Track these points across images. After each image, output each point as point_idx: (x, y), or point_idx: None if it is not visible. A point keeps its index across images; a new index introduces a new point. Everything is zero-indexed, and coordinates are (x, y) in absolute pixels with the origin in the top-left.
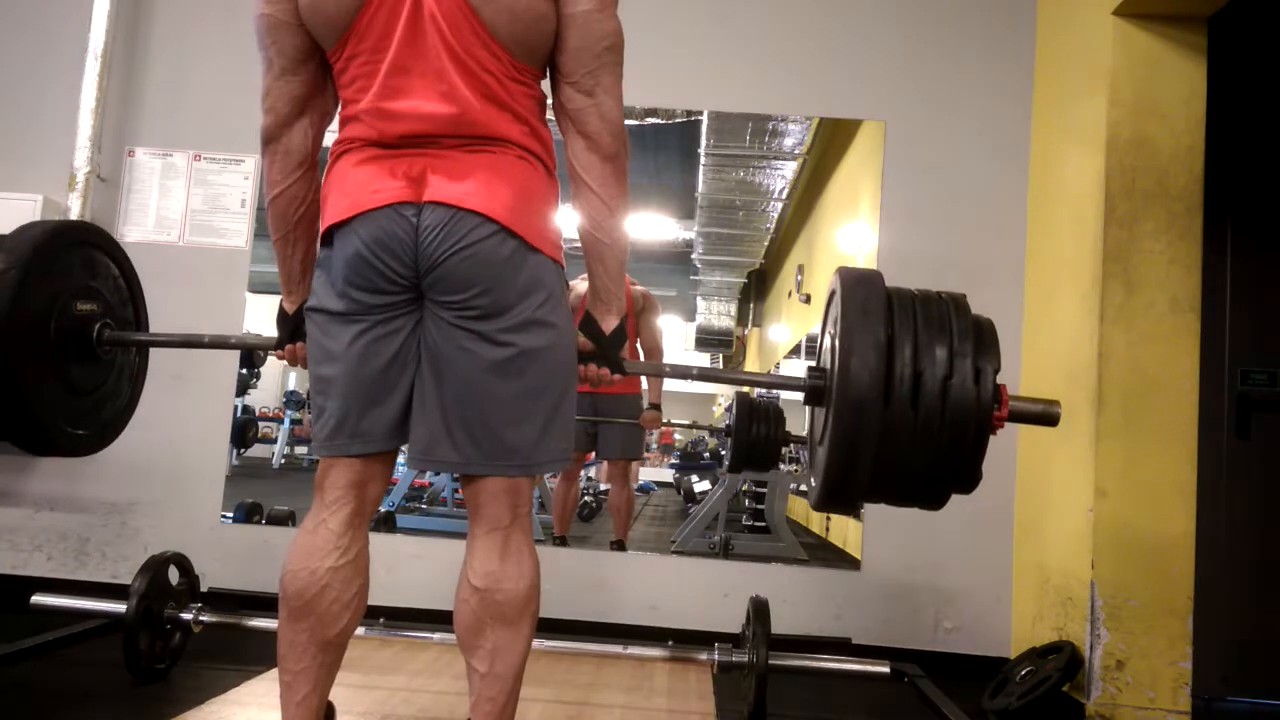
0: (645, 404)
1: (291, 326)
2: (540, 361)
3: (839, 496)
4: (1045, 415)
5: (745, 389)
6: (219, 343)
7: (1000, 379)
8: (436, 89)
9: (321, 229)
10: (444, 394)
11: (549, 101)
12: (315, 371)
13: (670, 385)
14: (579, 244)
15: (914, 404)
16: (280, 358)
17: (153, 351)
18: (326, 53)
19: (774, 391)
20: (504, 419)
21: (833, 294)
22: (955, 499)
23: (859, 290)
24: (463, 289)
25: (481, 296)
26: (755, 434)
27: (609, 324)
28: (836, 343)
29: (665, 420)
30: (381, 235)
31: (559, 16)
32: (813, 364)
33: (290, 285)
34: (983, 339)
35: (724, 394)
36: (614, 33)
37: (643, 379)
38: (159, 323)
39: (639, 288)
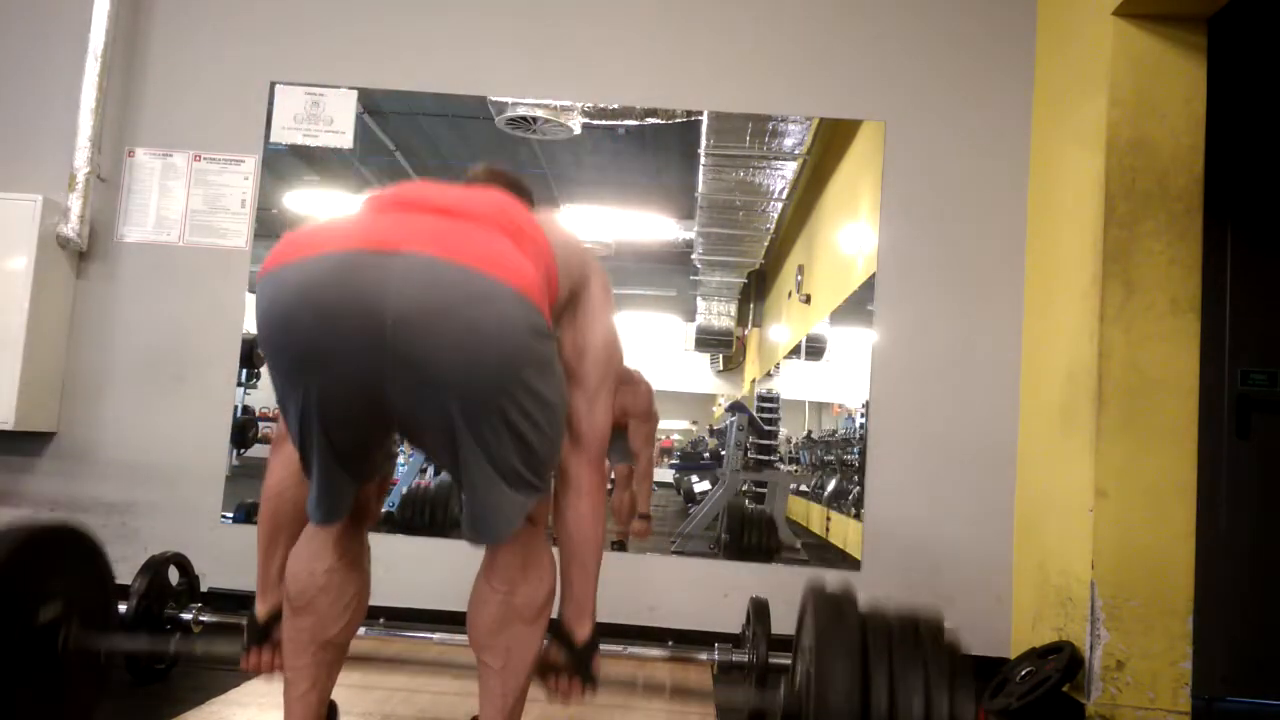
0: (636, 514)
1: (261, 633)
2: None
3: None
4: None
5: (743, 400)
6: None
7: (1002, 384)
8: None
9: None
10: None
11: None
12: None
13: (670, 386)
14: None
15: None
16: (245, 667)
17: (153, 353)
18: None
19: (775, 393)
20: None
21: (804, 613)
22: (955, 497)
23: (832, 622)
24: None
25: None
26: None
27: (584, 632)
28: (812, 676)
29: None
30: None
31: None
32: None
33: (266, 589)
34: (957, 668)
35: (724, 394)
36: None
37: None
38: (159, 324)
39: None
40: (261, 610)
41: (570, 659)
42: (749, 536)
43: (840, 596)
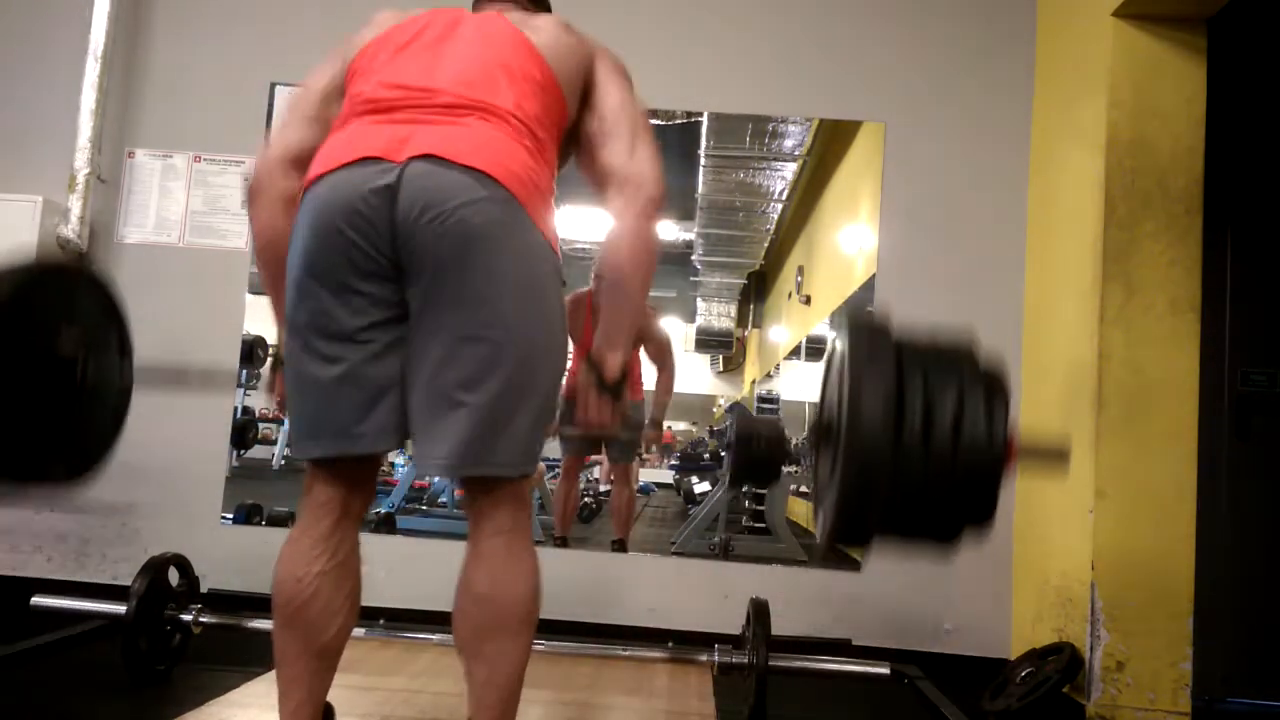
0: (646, 419)
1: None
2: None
3: (849, 534)
4: (1057, 453)
5: (743, 401)
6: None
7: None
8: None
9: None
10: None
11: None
12: None
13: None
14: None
15: (925, 442)
16: (270, 394)
17: (152, 353)
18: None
19: (775, 394)
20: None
21: (837, 338)
22: None
23: (866, 335)
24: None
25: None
26: (756, 452)
27: (614, 365)
28: (844, 385)
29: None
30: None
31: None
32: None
33: (284, 318)
34: (993, 383)
35: (724, 395)
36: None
37: (643, 389)
38: (159, 325)
39: None
40: (284, 338)
41: (599, 386)
42: (758, 447)
43: (876, 317)
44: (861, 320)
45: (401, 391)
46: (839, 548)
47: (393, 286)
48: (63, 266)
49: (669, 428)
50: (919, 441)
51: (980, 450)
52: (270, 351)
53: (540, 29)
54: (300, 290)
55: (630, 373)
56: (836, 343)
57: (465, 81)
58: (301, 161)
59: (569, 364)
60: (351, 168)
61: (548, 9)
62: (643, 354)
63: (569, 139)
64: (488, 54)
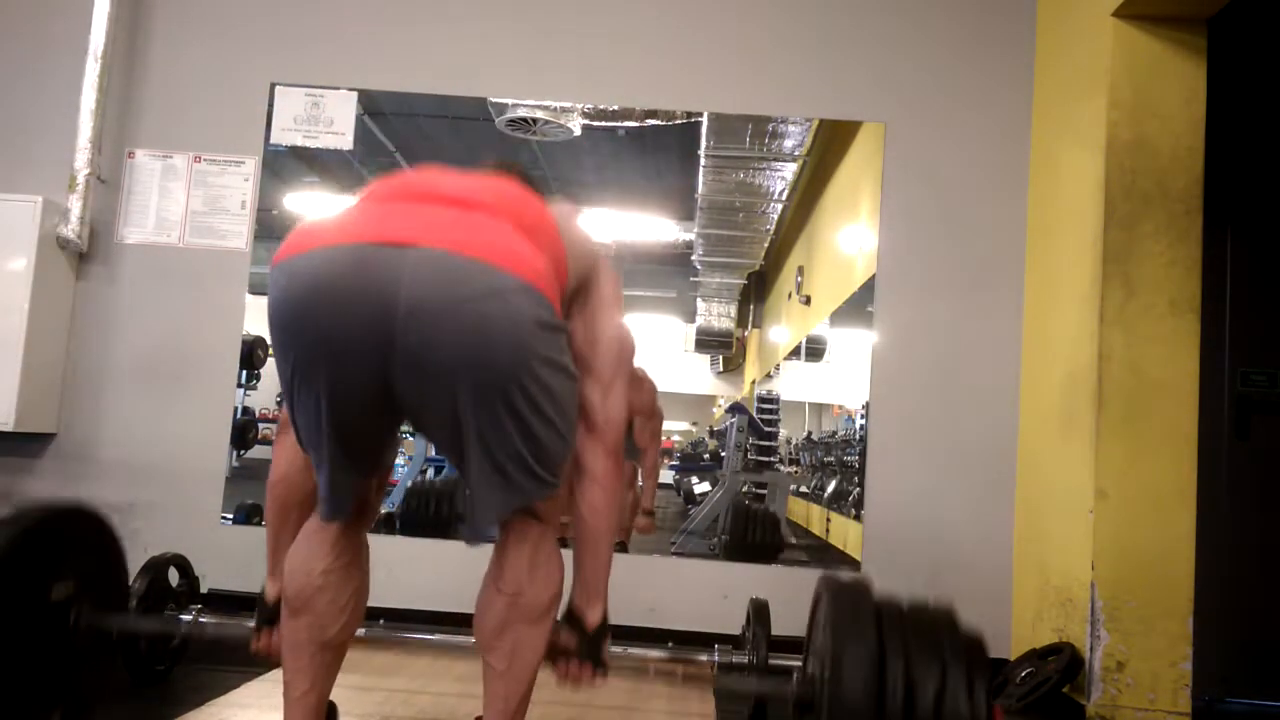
0: (640, 510)
1: (272, 614)
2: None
3: None
4: None
5: (743, 401)
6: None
7: (1002, 385)
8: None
9: None
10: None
11: None
12: None
13: (670, 387)
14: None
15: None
16: (255, 649)
17: (152, 353)
18: None
19: (775, 394)
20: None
21: (818, 601)
22: (955, 498)
23: (847, 602)
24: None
25: None
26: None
27: (594, 618)
28: (827, 653)
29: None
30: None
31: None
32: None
33: (277, 570)
34: (973, 655)
35: (724, 396)
36: (628, 343)
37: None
38: (159, 325)
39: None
40: (271, 592)
41: (580, 644)
42: (752, 535)
43: (855, 585)
44: (843, 584)
45: (387, 440)
46: (839, 549)
47: (377, 367)
48: (61, 512)
49: (669, 436)
50: (901, 714)
51: None
52: (259, 611)
53: (552, 203)
54: (284, 369)
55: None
56: (816, 600)
57: (472, 190)
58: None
59: None
60: (339, 248)
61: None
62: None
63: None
64: (499, 193)
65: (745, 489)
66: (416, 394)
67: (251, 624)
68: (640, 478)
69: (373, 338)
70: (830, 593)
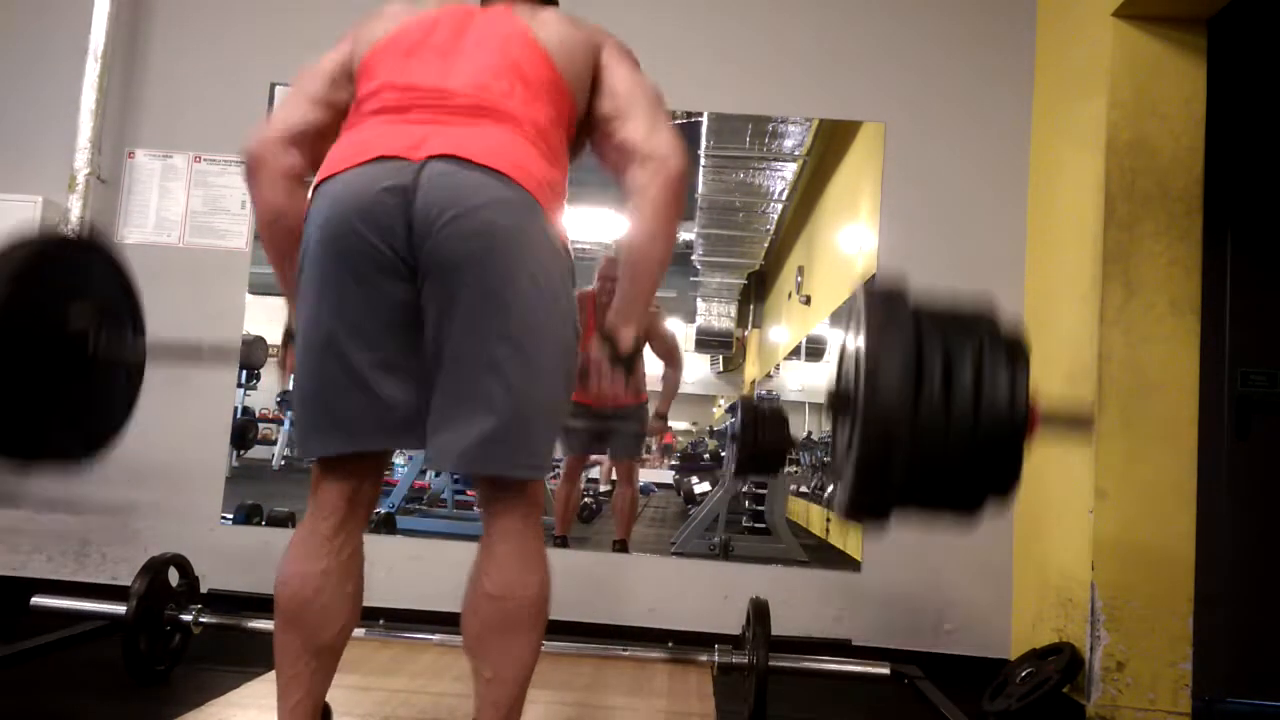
0: (652, 412)
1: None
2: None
3: (869, 504)
4: (1079, 418)
5: (747, 392)
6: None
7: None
8: (470, 72)
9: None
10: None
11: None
12: None
13: None
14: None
15: (946, 409)
16: (282, 367)
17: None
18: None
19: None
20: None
21: (855, 303)
22: None
23: (884, 299)
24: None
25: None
26: (760, 438)
27: (627, 338)
28: (862, 350)
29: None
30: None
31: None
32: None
33: (292, 290)
34: (1014, 347)
35: (724, 395)
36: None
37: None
38: (159, 325)
39: None
40: (292, 315)
41: (612, 359)
42: (761, 434)
43: (894, 282)
44: (878, 285)
45: (413, 391)
46: (839, 549)
47: (406, 286)
48: (73, 241)
49: (670, 429)
50: (939, 408)
51: (1002, 416)
52: (283, 330)
53: (547, 25)
54: (314, 289)
55: (636, 369)
56: (853, 308)
57: (478, 85)
58: (302, 140)
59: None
60: (366, 167)
61: (554, 1)
62: (648, 352)
63: (580, 133)
64: (499, 57)
65: (745, 489)
66: (433, 304)
67: (251, 624)
68: (663, 392)
69: (400, 247)
70: (865, 294)
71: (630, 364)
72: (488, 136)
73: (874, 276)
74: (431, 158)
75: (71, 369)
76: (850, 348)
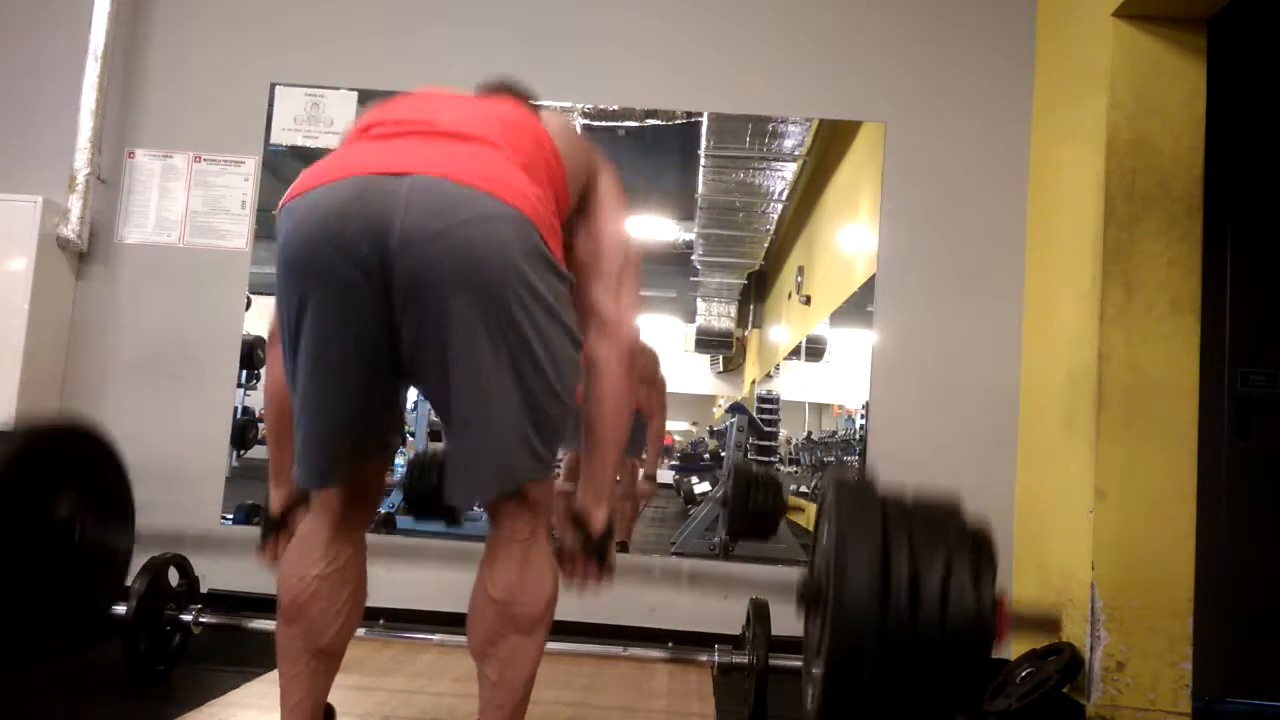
0: (641, 475)
1: (277, 524)
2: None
3: (840, 705)
4: (1047, 621)
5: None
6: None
7: (1002, 385)
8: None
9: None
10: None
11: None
12: None
13: (670, 387)
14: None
15: (913, 615)
16: (262, 560)
17: (152, 352)
18: None
19: (775, 394)
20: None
21: (824, 500)
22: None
23: (852, 498)
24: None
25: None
26: (753, 505)
27: (599, 520)
28: (831, 551)
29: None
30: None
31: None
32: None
33: (280, 480)
34: (980, 546)
35: (724, 395)
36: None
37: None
38: (158, 325)
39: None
40: (276, 502)
41: (586, 545)
42: (755, 499)
43: (862, 481)
44: (847, 479)
45: (387, 406)
46: None
47: (379, 305)
48: (60, 429)
49: (670, 433)
50: (906, 614)
51: (969, 623)
52: (265, 516)
53: (549, 119)
54: (287, 312)
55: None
56: (822, 499)
57: (466, 120)
58: None
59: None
60: (338, 184)
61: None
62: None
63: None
64: (496, 117)
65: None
66: (414, 327)
67: (251, 624)
68: (648, 443)
69: (373, 268)
70: (835, 487)
71: (604, 549)
72: (474, 156)
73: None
74: (413, 174)
75: (56, 562)
76: (823, 540)
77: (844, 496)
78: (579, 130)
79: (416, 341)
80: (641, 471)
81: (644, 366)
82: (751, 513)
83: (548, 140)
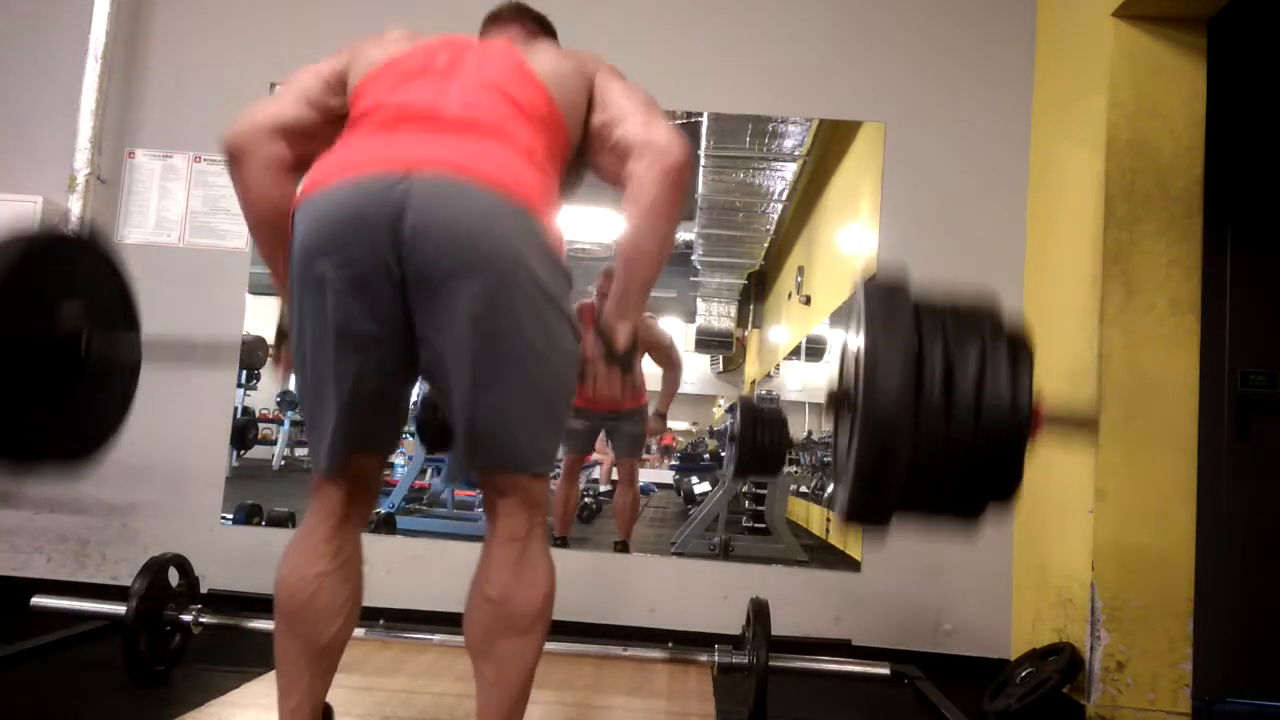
0: (651, 410)
1: (287, 331)
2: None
3: (869, 509)
4: (1084, 419)
5: (747, 392)
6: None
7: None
8: (461, 97)
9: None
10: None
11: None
12: None
13: None
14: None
15: (947, 411)
16: (276, 368)
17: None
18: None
19: (775, 393)
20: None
21: (856, 301)
22: None
23: (884, 294)
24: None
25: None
26: (760, 440)
27: (623, 335)
28: (861, 347)
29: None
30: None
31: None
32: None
33: (286, 289)
34: (1017, 344)
35: (724, 395)
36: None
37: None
38: (158, 325)
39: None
40: (285, 315)
41: (608, 356)
42: (761, 435)
43: (895, 278)
44: (878, 279)
45: (399, 393)
46: (839, 549)
47: (393, 299)
48: (66, 238)
49: (670, 430)
50: (940, 409)
51: (1005, 418)
52: (275, 330)
53: (543, 57)
54: (302, 304)
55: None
56: (854, 304)
57: (470, 105)
58: (290, 135)
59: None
60: (350, 180)
61: (552, 34)
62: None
63: (573, 168)
64: (495, 87)
65: (745, 489)
66: (424, 319)
67: (251, 624)
68: (662, 391)
69: (391, 263)
70: (864, 286)
71: (628, 362)
72: (478, 149)
73: (874, 275)
74: (421, 169)
75: (65, 369)
76: (851, 346)
77: (874, 294)
78: (569, 53)
79: (425, 334)
80: (653, 408)
81: (654, 333)
82: (759, 448)
83: (545, 96)
